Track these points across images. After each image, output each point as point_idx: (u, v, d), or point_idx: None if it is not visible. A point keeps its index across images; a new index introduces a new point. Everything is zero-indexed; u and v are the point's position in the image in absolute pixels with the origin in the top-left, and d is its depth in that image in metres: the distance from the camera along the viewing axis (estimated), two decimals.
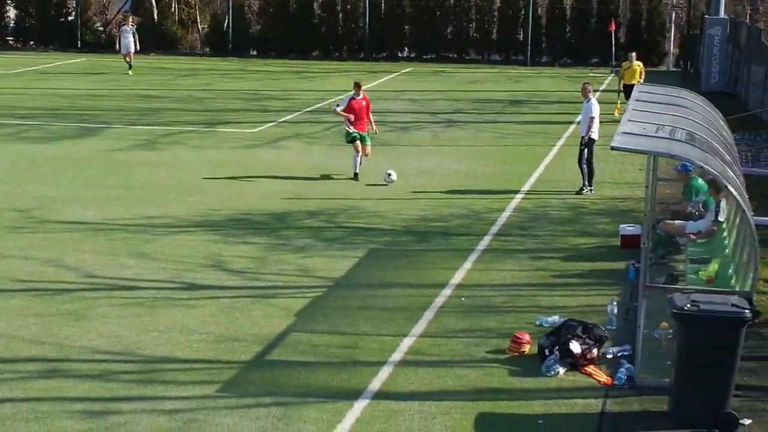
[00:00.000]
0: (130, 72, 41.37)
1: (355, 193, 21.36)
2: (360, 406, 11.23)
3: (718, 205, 15.41)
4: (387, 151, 22.07)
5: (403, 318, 13.92)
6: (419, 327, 13.61)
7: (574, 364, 12.21)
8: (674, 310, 10.86)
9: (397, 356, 12.62)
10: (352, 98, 22.28)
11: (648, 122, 13.40)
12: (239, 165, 23.95)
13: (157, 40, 50.92)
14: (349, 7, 51.07)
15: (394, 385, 11.80)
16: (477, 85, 40.40)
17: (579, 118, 23.21)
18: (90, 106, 33.02)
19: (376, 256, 16.98)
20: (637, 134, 12.62)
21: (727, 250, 14.79)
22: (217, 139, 27.40)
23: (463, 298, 14.82)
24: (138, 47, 42.44)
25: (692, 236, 15.71)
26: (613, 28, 41.38)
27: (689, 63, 47.92)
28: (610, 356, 12.56)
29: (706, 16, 43.17)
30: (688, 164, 16.29)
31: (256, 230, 18.41)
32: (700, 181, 17.20)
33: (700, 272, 14.01)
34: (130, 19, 43.90)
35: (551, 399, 11.48)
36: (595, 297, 14.83)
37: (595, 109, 21.54)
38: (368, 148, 22.26)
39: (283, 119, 30.96)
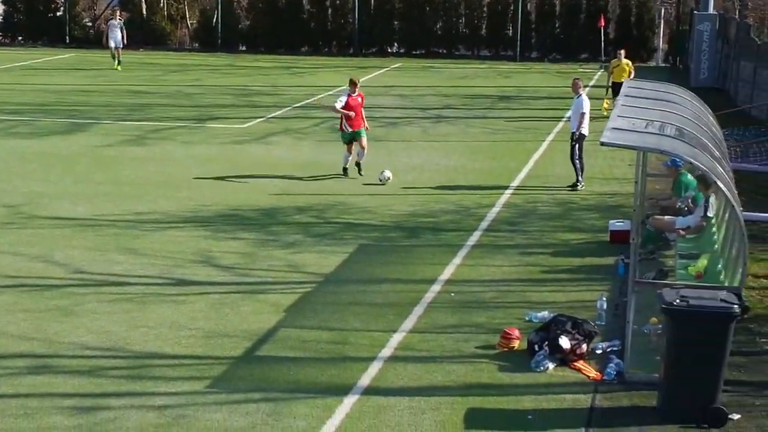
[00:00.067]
0: (119, 67, 41.27)
1: (345, 188, 21.35)
2: (349, 401, 11.23)
3: (707, 201, 15.43)
4: (376, 147, 22.07)
5: (392, 313, 13.92)
6: (409, 322, 13.62)
7: (564, 359, 12.22)
8: (663, 306, 10.88)
9: (386, 352, 12.62)
10: (349, 95, 22.25)
11: (637, 118, 13.41)
12: (229, 161, 23.92)
13: (145, 35, 50.79)
14: (338, 2, 51.00)
15: (384, 381, 11.80)
16: (466, 81, 40.39)
17: (569, 113, 23.22)
18: (79, 102, 32.93)
19: (366, 252, 16.97)
20: (627, 130, 12.63)
21: (716, 246, 14.82)
22: (206, 135, 27.35)
23: (452, 294, 14.83)
24: (125, 42, 42.30)
25: (681, 232, 15.73)
26: (603, 23, 41.46)
27: (678, 59, 47.99)
28: (599, 351, 12.57)
29: (695, 11, 43.23)
30: (677, 160, 16.32)
31: (246, 226, 18.39)
32: (690, 176, 17.22)
33: (689, 268, 14.02)
34: (118, 14, 43.79)
35: (541, 394, 11.50)
36: (585, 292, 14.86)
37: (586, 105, 21.57)
38: (365, 141, 22.21)
39: (273, 115, 30.93)
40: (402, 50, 50.88)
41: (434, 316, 13.93)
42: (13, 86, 36.14)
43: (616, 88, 28.69)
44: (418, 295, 14.65)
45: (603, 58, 40.42)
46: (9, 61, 43.92)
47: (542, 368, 12.11)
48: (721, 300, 10.89)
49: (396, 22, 50.76)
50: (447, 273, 15.79)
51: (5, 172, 22.30)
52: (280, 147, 25.90)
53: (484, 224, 18.72)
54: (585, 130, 21.52)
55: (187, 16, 54.38)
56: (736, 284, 11.92)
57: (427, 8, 50.17)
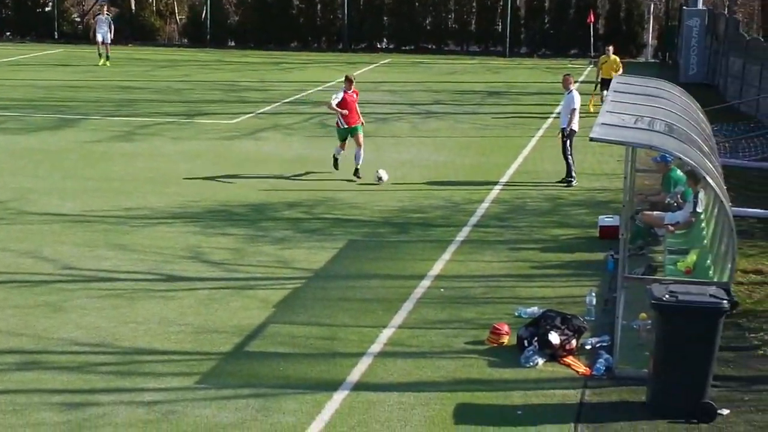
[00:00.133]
0: (107, 63, 41.17)
1: (334, 184, 21.33)
2: (339, 397, 11.23)
3: (696, 196, 15.46)
4: (366, 143, 22.02)
5: (382, 309, 13.92)
6: (398, 318, 13.62)
7: (553, 354, 12.24)
8: (653, 301, 10.89)
9: (376, 347, 12.62)
10: (345, 92, 22.21)
11: (627, 113, 13.42)
12: (218, 156, 23.89)
13: (134, 30, 50.68)
14: None
15: (374, 377, 11.80)
16: (456, 76, 40.40)
17: (559, 109, 23.22)
18: (67, 97, 32.85)
19: (355, 248, 16.97)
20: (616, 125, 12.65)
21: (705, 241, 14.85)
22: (195, 131, 27.30)
23: (442, 290, 14.83)
24: (113, 37, 42.16)
25: (671, 227, 15.76)
26: (592, 19, 41.51)
27: (668, 54, 48.03)
28: (588, 347, 12.59)
29: (684, 7, 43.28)
30: (666, 155, 16.33)
31: (235, 222, 18.37)
32: (679, 172, 17.24)
33: (678, 263, 14.06)
34: (105, 9, 43.66)
35: (530, 390, 11.51)
36: (574, 288, 14.87)
37: (577, 101, 21.59)
38: (361, 137, 22.15)
39: (262, 110, 30.88)
40: (391, 46, 50.84)
41: (424, 311, 13.93)
42: (2, 82, 36.00)
43: (605, 84, 28.70)
44: (408, 291, 14.65)
45: (592, 54, 40.43)
46: None
47: (531, 364, 12.12)
48: (710, 295, 10.91)
49: (385, 18, 50.72)
50: (436, 268, 15.79)
51: None
52: (270, 143, 25.87)
53: (473, 220, 18.73)
54: (575, 126, 21.53)
55: (176, 11, 54.28)
56: (725, 279, 11.95)
57: (417, 4, 50.18)
